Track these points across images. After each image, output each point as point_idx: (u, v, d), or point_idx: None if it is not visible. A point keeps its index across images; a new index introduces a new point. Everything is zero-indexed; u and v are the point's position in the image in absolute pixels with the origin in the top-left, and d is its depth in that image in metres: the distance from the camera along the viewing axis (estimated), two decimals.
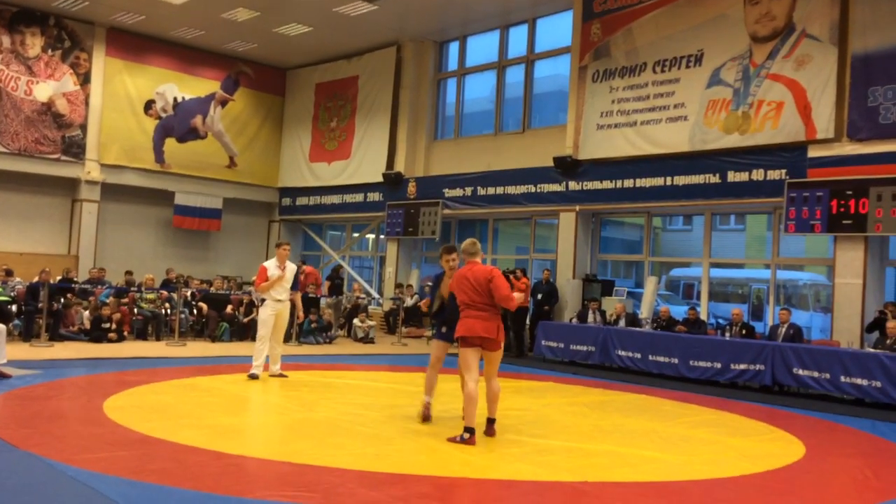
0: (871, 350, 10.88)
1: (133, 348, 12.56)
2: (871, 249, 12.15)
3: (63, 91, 18.83)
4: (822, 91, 12.44)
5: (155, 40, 20.12)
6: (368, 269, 22.48)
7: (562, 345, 13.88)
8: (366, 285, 20.73)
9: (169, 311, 14.70)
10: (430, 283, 7.68)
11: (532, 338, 15.11)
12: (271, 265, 9.96)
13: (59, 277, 14.69)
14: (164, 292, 14.92)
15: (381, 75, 19.88)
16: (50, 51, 18.64)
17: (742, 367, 11.54)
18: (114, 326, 13.32)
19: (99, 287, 14.91)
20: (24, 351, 11.33)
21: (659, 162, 14.45)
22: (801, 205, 12.55)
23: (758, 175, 13.18)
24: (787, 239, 13.98)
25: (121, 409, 7.26)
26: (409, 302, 17.89)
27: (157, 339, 14.17)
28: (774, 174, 12.96)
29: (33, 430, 6.25)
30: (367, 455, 6.07)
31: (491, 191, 17.27)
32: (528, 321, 15.50)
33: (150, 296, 14.74)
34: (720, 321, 15.47)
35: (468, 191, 17.73)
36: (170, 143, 20.57)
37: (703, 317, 14.12)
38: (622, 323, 13.90)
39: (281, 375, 10.00)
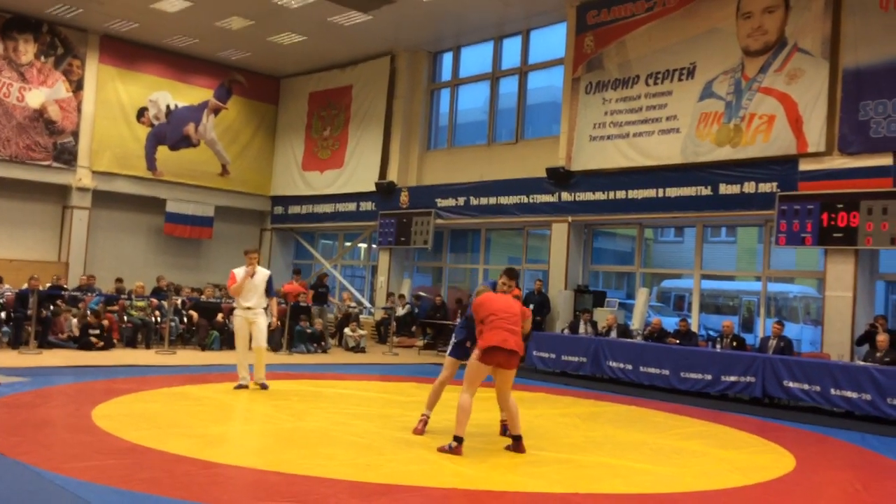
0: (861, 363, 10.91)
1: (122, 356, 12.50)
2: (861, 263, 12.20)
3: (55, 98, 18.79)
4: (813, 105, 12.52)
5: (148, 48, 20.10)
6: (360, 279, 22.44)
7: (553, 355, 13.87)
8: (357, 294, 20.70)
9: (159, 319, 14.64)
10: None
11: (524, 348, 15.07)
12: (239, 271, 9.82)
13: (48, 284, 14.61)
14: (155, 300, 14.86)
15: (375, 85, 19.91)
16: (43, 57, 18.60)
17: (733, 379, 11.55)
18: (104, 334, 13.24)
19: (89, 294, 14.84)
20: (12, 358, 11.27)
21: (651, 174, 14.50)
22: (791, 217, 12.61)
23: (749, 188, 13.24)
24: (777, 251, 14.04)
25: (110, 417, 7.21)
26: (400, 311, 17.87)
27: (147, 347, 14.11)
28: (766, 187, 13.02)
29: (21, 438, 6.20)
30: (357, 465, 6.04)
31: (483, 201, 17.29)
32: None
33: (141, 303, 14.68)
34: (711, 333, 15.50)
35: (461, 201, 17.75)
36: (162, 151, 20.52)
37: (694, 328, 14.15)
38: (613, 334, 13.91)
39: (263, 387, 9.72)
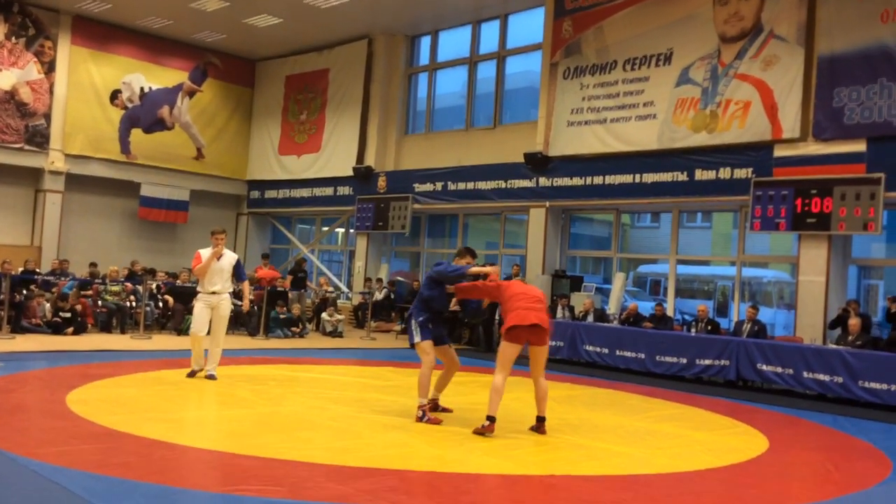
0: (834, 346, 11.08)
1: (97, 341, 12.38)
2: (834, 248, 12.35)
3: (27, 79, 18.48)
4: (788, 91, 12.62)
5: (122, 29, 19.81)
6: (338, 264, 22.38)
7: None
8: (335, 279, 20.63)
9: (134, 303, 14.51)
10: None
11: (500, 333, 15.13)
12: (205, 252, 9.25)
13: (20, 269, 14.42)
14: (129, 285, 14.72)
15: (352, 69, 19.78)
16: (14, 38, 18.26)
17: (707, 362, 11.69)
18: (77, 318, 13.10)
19: (62, 279, 14.67)
20: None
21: (628, 159, 14.56)
22: (766, 203, 12.72)
23: (725, 173, 13.33)
24: (752, 237, 14.17)
25: (84, 402, 7.15)
26: (378, 296, 17.85)
27: (122, 331, 13.99)
28: (741, 173, 13.12)
29: None
30: (335, 449, 6.05)
31: (461, 186, 17.28)
32: (496, 316, 15.53)
33: (115, 288, 14.54)
34: (686, 317, 15.64)
35: (438, 186, 17.72)
36: (136, 134, 20.28)
37: (670, 313, 14.27)
38: (590, 318, 13.99)
39: (210, 377, 9.06)
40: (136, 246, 20.30)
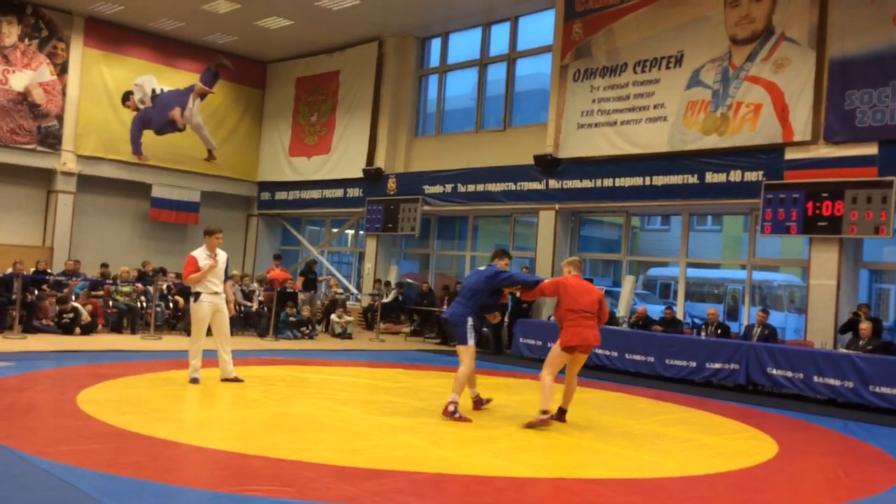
0: (844, 351, 11.02)
1: (108, 341, 12.44)
2: (845, 251, 12.28)
3: (39, 81, 18.60)
4: (799, 94, 12.56)
5: (134, 31, 19.92)
6: (347, 265, 22.41)
7: (539, 342, 13.92)
8: (344, 280, 20.67)
9: (144, 304, 14.58)
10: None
11: (510, 335, 15.14)
12: (201, 254, 8.87)
13: (32, 269, 14.51)
14: (140, 285, 14.79)
15: (363, 70, 19.82)
16: (27, 40, 18.39)
17: (717, 366, 11.64)
18: (80, 319, 13.14)
19: (74, 279, 14.75)
20: None
21: (638, 162, 14.53)
22: (777, 206, 12.67)
23: (735, 176, 13.29)
24: (762, 240, 14.11)
25: (95, 401, 7.18)
26: (387, 298, 17.86)
27: (133, 332, 14.05)
28: (752, 175, 13.08)
29: (6, 422, 6.17)
30: (343, 450, 6.05)
31: (471, 188, 17.28)
32: (506, 319, 15.52)
33: (126, 288, 14.61)
34: (696, 321, 15.59)
35: (448, 188, 17.73)
36: (147, 136, 20.38)
37: (680, 316, 14.22)
38: None
39: (236, 380, 8.91)
40: (147, 247, 20.39)
